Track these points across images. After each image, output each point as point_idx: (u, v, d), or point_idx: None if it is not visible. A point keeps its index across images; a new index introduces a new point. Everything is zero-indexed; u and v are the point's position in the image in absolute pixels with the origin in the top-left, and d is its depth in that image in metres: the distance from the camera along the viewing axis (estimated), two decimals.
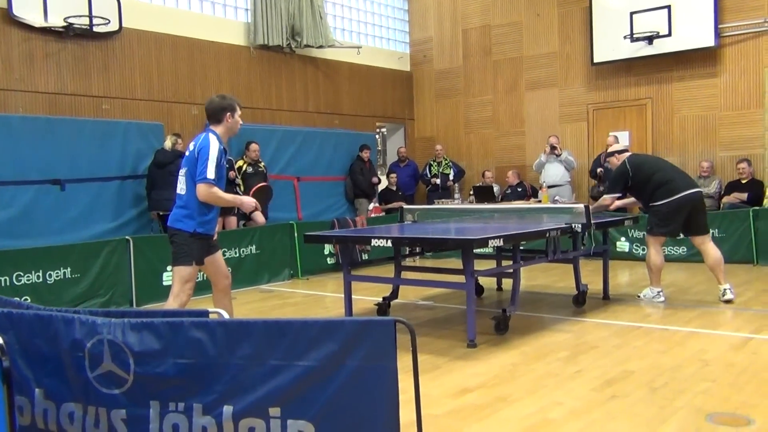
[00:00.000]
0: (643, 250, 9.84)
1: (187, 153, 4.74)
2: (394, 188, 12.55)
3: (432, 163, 12.96)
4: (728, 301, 6.77)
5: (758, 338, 5.38)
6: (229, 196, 4.88)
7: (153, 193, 8.77)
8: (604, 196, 7.18)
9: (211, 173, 4.53)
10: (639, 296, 7.14)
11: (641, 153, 7.21)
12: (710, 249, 6.83)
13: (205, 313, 2.97)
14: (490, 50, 13.42)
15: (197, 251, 4.72)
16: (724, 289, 6.81)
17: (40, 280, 6.93)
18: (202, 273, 8.28)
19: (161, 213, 8.94)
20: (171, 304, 4.71)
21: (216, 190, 4.59)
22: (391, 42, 14.29)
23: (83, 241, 7.77)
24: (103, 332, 2.81)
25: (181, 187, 4.71)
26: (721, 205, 10.37)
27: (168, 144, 8.79)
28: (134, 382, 2.77)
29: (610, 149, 7.59)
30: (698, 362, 4.75)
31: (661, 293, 6.98)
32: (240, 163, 9.84)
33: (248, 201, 4.96)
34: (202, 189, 4.56)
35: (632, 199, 7.26)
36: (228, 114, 4.74)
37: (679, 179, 6.84)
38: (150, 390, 2.76)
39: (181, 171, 4.75)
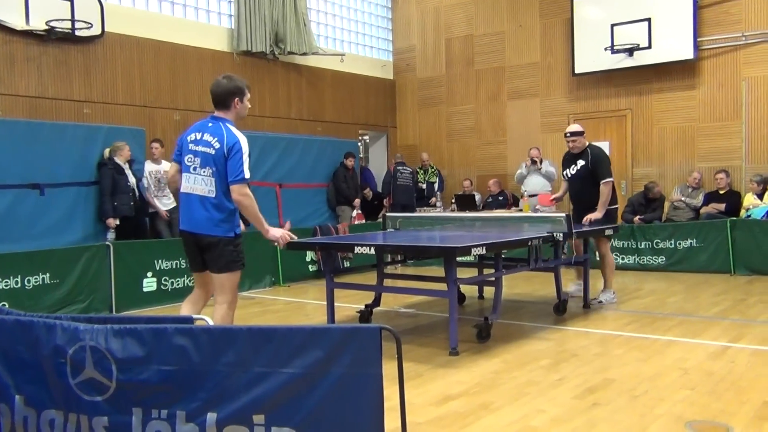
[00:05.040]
0: (623, 258, 9.95)
1: (205, 149, 4.31)
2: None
3: (419, 170, 13.00)
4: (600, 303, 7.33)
5: (736, 347, 5.45)
6: (259, 213, 4.42)
7: None
8: (607, 180, 7.06)
9: (248, 172, 4.23)
10: (602, 302, 7.32)
11: None
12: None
13: (190, 320, 2.95)
14: (473, 60, 13.51)
15: (243, 253, 4.47)
16: (614, 293, 7.50)
17: (19, 285, 6.84)
18: (191, 278, 8.22)
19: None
20: (228, 313, 4.39)
21: (249, 191, 4.25)
22: (374, 50, 14.33)
23: (63, 246, 7.68)
24: (85, 338, 2.78)
25: (209, 189, 4.31)
26: (700, 216, 10.49)
27: (105, 152, 8.58)
28: (117, 389, 2.75)
29: (577, 128, 7.32)
30: (678, 370, 4.80)
31: (615, 294, 7.52)
32: None
33: (281, 234, 4.58)
34: (237, 189, 4.22)
35: (563, 193, 7.68)
36: (236, 99, 4.39)
37: None
38: (133, 397, 2.74)
39: (203, 170, 4.33)
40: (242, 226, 4.73)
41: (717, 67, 11.10)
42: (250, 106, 4.56)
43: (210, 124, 4.41)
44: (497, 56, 13.21)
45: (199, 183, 4.36)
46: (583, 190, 7.26)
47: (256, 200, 4.43)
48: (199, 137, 4.39)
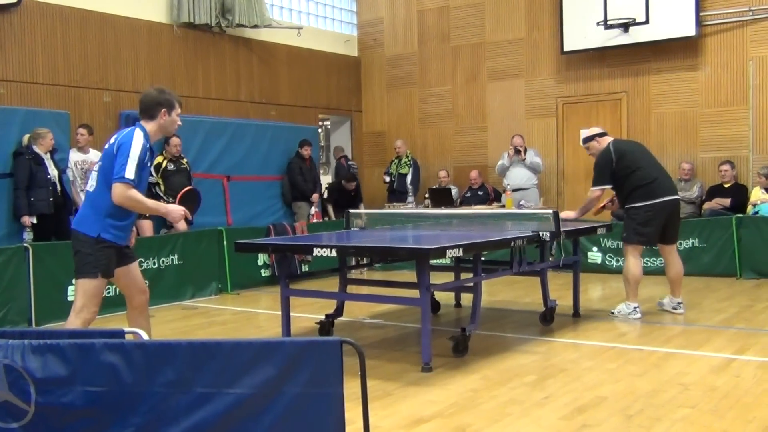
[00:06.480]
0: (617, 261, 10.08)
1: (106, 146, 4.72)
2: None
3: (393, 161, 13.02)
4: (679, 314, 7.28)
5: (741, 359, 5.57)
6: (151, 203, 4.85)
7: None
8: (592, 188, 7.16)
9: (130, 172, 4.45)
10: (613, 312, 7.29)
11: (626, 140, 7.32)
12: (677, 259, 7.35)
13: (121, 334, 2.93)
14: (449, 35, 13.56)
15: (104, 260, 4.58)
16: (679, 303, 7.32)
17: None
18: (115, 286, 8.13)
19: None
20: (73, 321, 4.60)
21: (134, 193, 4.51)
22: (336, 23, 14.31)
23: None
24: None
25: (91, 184, 4.71)
26: (702, 212, 10.68)
27: (24, 140, 8.45)
28: (36, 413, 2.72)
29: (587, 133, 7.48)
30: (677, 386, 4.88)
31: (637, 309, 7.15)
32: (159, 159, 9.69)
33: (175, 209, 4.82)
34: (117, 190, 4.47)
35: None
36: (164, 110, 4.72)
37: (662, 180, 7.12)
38: (54, 423, 2.71)
39: (96, 166, 4.77)
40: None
41: (721, 45, 11.30)
42: (180, 123, 4.90)
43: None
44: (476, 31, 13.28)
45: (90, 178, 4.77)
46: None
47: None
48: (110, 140, 4.76)
